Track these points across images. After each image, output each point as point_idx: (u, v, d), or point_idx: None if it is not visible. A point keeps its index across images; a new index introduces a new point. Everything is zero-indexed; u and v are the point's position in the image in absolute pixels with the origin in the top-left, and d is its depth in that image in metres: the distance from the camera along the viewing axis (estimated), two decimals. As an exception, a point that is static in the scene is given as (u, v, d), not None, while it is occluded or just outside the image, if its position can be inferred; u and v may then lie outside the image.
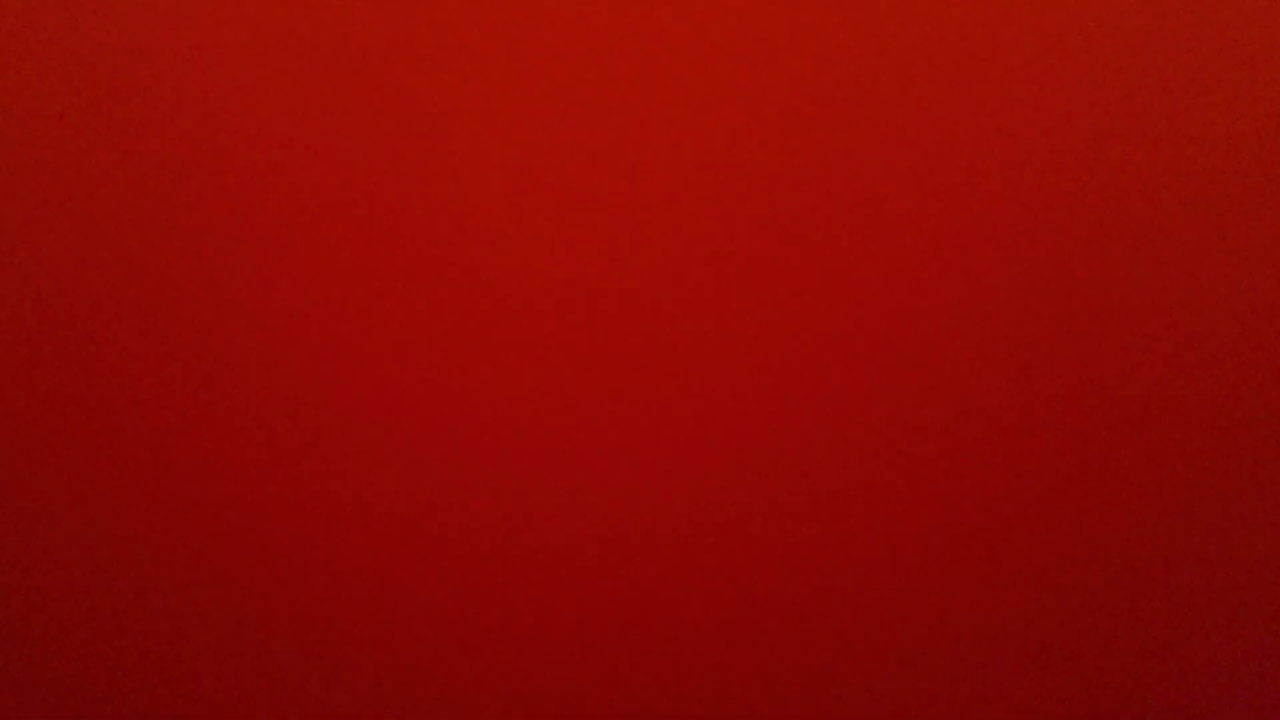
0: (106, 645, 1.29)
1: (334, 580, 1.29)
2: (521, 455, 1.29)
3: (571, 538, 1.29)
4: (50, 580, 1.29)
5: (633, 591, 1.29)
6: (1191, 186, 1.29)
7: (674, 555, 1.29)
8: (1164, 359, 1.29)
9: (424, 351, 1.28)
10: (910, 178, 1.28)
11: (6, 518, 1.29)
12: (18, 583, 1.29)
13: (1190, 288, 1.29)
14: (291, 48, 1.28)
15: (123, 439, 1.29)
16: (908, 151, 1.28)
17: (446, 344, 1.28)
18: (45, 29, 1.28)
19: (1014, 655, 1.29)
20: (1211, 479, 1.29)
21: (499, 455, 1.29)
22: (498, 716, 1.29)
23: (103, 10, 1.28)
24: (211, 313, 1.29)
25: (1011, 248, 1.29)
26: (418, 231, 1.28)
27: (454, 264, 1.28)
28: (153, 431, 1.29)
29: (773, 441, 1.29)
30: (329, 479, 1.29)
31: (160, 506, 1.29)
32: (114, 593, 1.29)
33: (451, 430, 1.29)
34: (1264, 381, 1.29)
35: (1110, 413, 1.29)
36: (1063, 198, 1.29)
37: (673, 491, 1.29)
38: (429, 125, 1.28)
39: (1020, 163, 1.29)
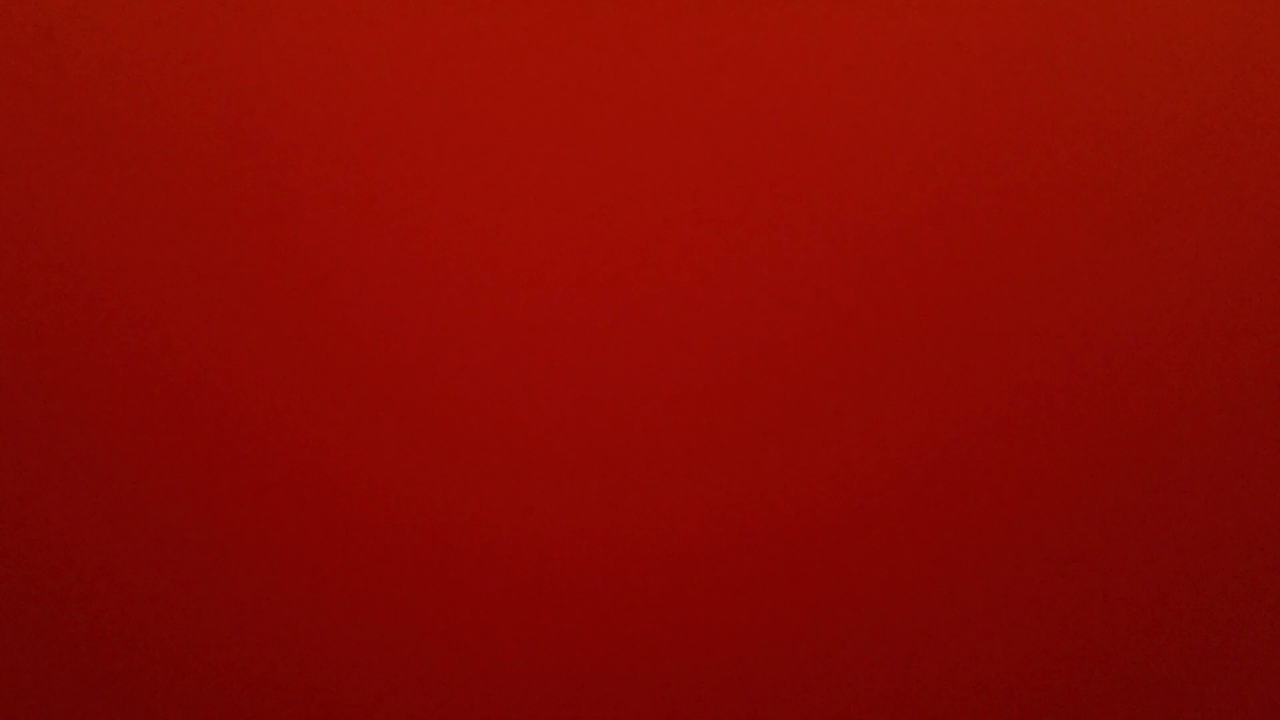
0: (105, 645, 1.30)
1: (332, 581, 1.29)
2: (520, 456, 1.29)
3: (571, 540, 1.29)
4: (50, 580, 1.29)
5: (631, 594, 1.29)
6: (1191, 185, 1.29)
7: (673, 556, 1.29)
8: (1163, 359, 1.29)
9: (423, 352, 1.29)
10: (908, 178, 1.28)
11: (6, 518, 1.29)
12: (17, 583, 1.29)
13: (1189, 287, 1.29)
14: (290, 46, 1.28)
15: (120, 438, 1.29)
16: (905, 152, 1.28)
17: (446, 345, 1.28)
18: (45, 28, 1.29)
19: (1014, 657, 1.29)
20: (1211, 479, 1.29)
21: (498, 456, 1.29)
22: (497, 716, 1.30)
23: (101, 10, 1.28)
24: (210, 312, 1.29)
25: (1010, 248, 1.29)
26: (416, 231, 1.28)
27: (453, 265, 1.28)
28: (151, 430, 1.29)
29: (771, 443, 1.29)
30: (327, 479, 1.29)
31: (158, 506, 1.29)
32: (111, 592, 1.29)
33: (450, 431, 1.29)
34: (1264, 381, 1.29)
35: (1110, 414, 1.29)
36: (1060, 198, 1.29)
37: (673, 493, 1.29)
38: (427, 125, 1.28)
39: (1019, 163, 1.29)
